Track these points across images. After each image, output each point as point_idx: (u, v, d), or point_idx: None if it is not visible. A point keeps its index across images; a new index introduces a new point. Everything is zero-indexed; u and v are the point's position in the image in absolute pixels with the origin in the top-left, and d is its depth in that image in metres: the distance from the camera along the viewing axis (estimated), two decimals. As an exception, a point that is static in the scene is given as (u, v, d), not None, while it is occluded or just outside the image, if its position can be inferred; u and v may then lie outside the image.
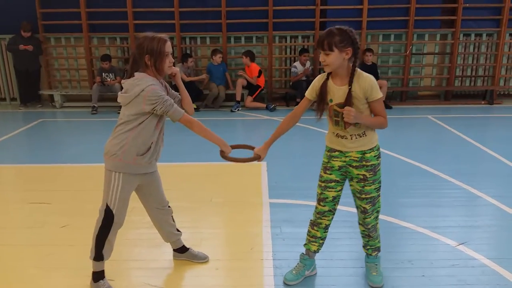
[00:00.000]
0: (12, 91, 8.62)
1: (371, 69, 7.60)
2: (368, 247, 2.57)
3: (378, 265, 2.57)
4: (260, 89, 7.71)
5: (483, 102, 8.10)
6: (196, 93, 7.55)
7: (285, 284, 2.52)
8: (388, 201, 3.67)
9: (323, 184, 2.44)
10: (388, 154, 4.94)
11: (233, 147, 2.54)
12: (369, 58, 7.60)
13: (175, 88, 2.58)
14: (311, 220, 2.56)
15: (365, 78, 2.24)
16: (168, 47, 2.29)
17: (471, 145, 5.39)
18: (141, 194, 2.54)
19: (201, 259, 2.78)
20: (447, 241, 3.00)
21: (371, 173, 2.34)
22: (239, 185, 4.16)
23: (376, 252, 2.58)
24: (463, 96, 8.54)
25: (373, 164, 2.34)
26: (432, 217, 3.39)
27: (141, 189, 2.50)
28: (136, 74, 2.28)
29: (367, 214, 2.45)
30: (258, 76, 7.64)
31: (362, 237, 2.58)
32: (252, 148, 2.60)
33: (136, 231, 3.18)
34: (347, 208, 3.36)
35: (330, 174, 2.41)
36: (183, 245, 2.79)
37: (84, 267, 2.53)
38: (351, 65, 2.23)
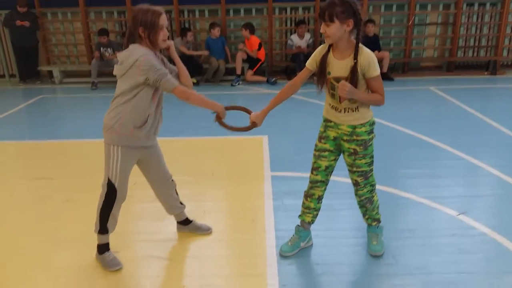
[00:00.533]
0: (11, 68, 8.55)
1: (373, 41, 7.50)
2: (367, 216, 2.60)
3: (379, 235, 2.60)
4: (260, 63, 7.63)
5: (486, 73, 8.02)
6: (196, 67, 7.48)
7: (281, 255, 2.56)
8: (388, 172, 3.71)
9: (317, 153, 2.46)
10: (388, 125, 4.92)
11: (228, 108, 2.50)
12: (371, 30, 7.47)
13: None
14: (305, 191, 2.59)
15: (365, 54, 2.19)
16: (163, 19, 2.27)
17: (473, 116, 5.37)
18: (143, 168, 2.55)
19: (204, 230, 2.82)
20: (448, 211, 3.03)
21: (361, 147, 2.34)
22: (240, 158, 4.17)
23: (376, 223, 2.61)
24: (466, 67, 8.44)
25: (364, 139, 2.33)
26: (433, 187, 3.42)
27: (143, 163, 2.51)
28: (130, 46, 2.28)
29: (359, 187, 2.47)
30: (258, 49, 7.53)
31: (359, 207, 2.61)
32: (249, 112, 2.55)
33: (140, 205, 3.21)
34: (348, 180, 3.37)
35: (325, 143, 2.42)
36: (187, 218, 2.82)
37: (89, 240, 2.57)
38: (352, 38, 2.19)
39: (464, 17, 8.03)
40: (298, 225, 2.65)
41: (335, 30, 2.14)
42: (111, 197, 2.38)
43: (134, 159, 2.43)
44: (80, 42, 8.29)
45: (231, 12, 8.00)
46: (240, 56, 7.51)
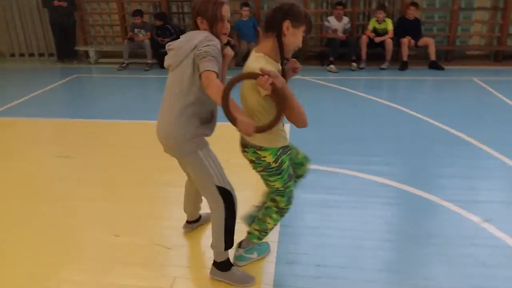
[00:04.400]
0: (49, 47, 8.80)
1: (414, 25, 7.07)
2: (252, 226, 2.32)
3: (248, 250, 2.34)
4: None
5: (538, 64, 7.36)
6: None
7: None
8: (414, 170, 3.47)
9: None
10: (421, 118, 4.62)
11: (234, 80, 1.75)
12: (412, 12, 7.01)
13: None
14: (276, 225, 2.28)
15: None
16: (226, 10, 2.02)
17: (517, 111, 4.93)
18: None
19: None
20: (471, 217, 2.77)
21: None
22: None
23: (253, 237, 2.31)
24: (517, 57, 7.79)
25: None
26: (460, 189, 3.14)
27: None
28: (189, 32, 2.07)
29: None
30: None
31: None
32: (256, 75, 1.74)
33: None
34: (363, 175, 3.18)
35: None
36: (199, 215, 2.72)
37: (109, 222, 2.60)
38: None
39: (518, 1, 7.36)
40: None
41: None
42: (231, 206, 2.13)
43: None
44: (115, 23, 8.37)
45: (265, -7, 7.77)
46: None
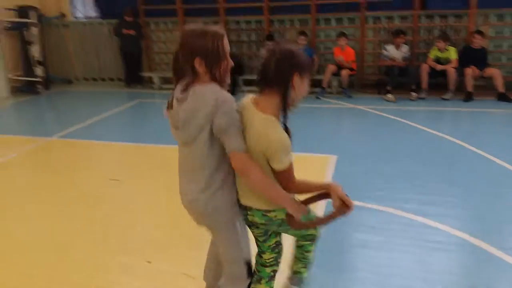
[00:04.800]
0: (119, 72, 9.42)
1: (479, 54, 6.67)
2: None
3: None
4: (352, 73, 7.29)
5: None
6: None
7: None
8: (473, 217, 3.15)
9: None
10: (485, 157, 4.23)
11: (306, 201, 1.81)
12: (478, 41, 6.63)
13: None
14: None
15: None
16: (227, 44, 1.69)
17: None
18: None
19: None
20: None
21: None
22: (300, 174, 3.95)
23: None
24: None
25: None
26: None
27: None
28: (192, 89, 1.66)
29: None
30: (353, 61, 7.21)
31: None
32: (327, 194, 1.74)
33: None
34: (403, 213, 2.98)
35: None
36: None
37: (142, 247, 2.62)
38: None
39: None
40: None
41: None
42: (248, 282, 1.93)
43: None
44: (178, 50, 8.78)
45: (322, 21, 7.78)
46: (331, 69, 7.21)
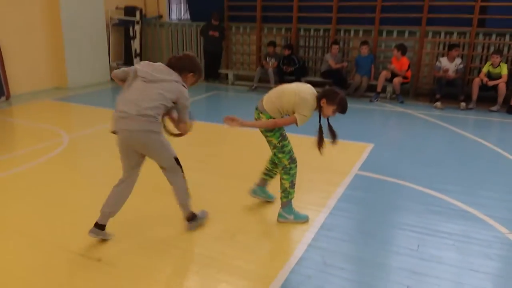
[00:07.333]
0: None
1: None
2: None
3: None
4: (405, 81, 7.95)
5: None
6: (341, 80, 8.26)
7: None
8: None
9: (291, 149, 3.23)
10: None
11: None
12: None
13: None
14: (294, 182, 3.23)
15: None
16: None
17: None
18: None
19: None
20: None
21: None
22: (337, 157, 4.63)
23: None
24: None
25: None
26: None
27: None
28: (176, 75, 2.87)
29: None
30: (407, 71, 7.88)
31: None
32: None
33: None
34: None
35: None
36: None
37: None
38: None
39: None
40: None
41: None
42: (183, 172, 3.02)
43: None
44: (252, 52, 10.00)
45: (384, 33, 8.52)
46: (384, 75, 7.96)
